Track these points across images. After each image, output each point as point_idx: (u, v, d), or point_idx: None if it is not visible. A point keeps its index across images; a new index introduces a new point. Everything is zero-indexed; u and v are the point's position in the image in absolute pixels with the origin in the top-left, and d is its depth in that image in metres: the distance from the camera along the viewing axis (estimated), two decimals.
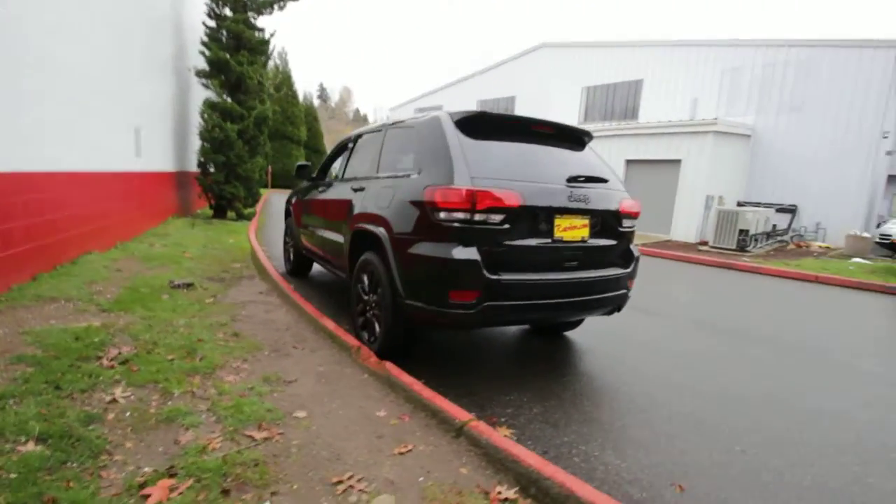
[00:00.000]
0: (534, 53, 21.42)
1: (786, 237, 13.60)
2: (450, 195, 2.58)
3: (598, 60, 19.09)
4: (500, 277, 2.61)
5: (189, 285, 4.59)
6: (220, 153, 9.45)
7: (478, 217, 2.57)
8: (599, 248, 3.06)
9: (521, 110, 22.07)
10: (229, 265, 5.92)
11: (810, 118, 13.78)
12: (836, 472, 2.18)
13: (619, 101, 18.93)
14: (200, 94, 9.97)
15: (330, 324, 3.56)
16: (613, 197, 3.11)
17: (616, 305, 3.20)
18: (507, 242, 2.67)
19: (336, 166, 5.02)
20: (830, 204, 13.52)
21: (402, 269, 2.81)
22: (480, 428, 2.15)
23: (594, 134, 3.72)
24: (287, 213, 6.00)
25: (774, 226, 13.21)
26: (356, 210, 3.46)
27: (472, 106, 24.30)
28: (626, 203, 3.17)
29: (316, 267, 6.08)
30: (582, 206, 2.90)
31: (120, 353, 2.77)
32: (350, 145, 4.25)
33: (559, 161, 3.04)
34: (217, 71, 9.31)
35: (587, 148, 3.41)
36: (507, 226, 2.64)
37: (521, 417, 2.54)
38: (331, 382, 2.70)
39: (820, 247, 12.83)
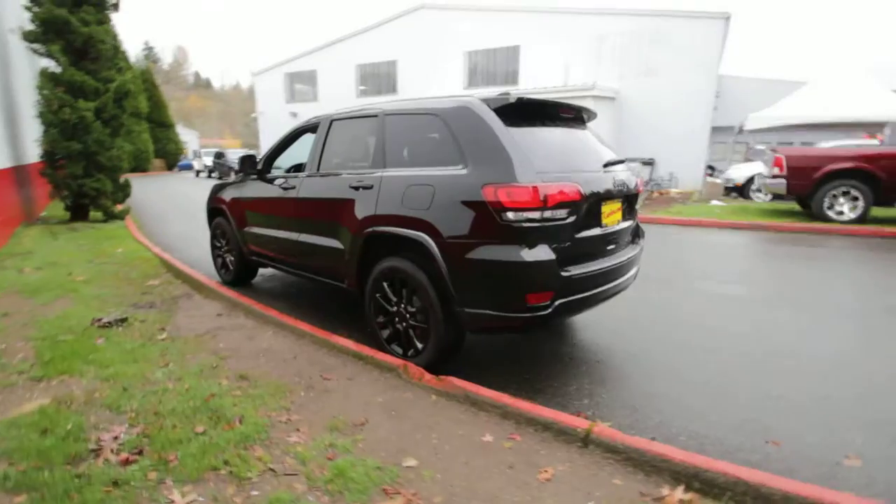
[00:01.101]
0: (414, 15, 20.73)
1: (649, 187, 15.77)
2: (518, 194, 2.38)
3: (479, 25, 19.24)
4: (570, 273, 2.54)
5: (122, 320, 3.64)
6: (75, 139, 7.48)
7: (547, 214, 2.43)
8: (626, 230, 3.15)
9: (405, 75, 21.50)
10: (144, 284, 4.84)
11: (662, 82, 15.84)
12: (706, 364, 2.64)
13: (500, 67, 19.50)
14: (29, 64, 7.66)
15: (347, 342, 3.14)
16: (631, 177, 3.19)
17: (634, 280, 3.37)
18: (573, 236, 2.59)
19: (291, 157, 4.35)
20: (679, 155, 15.94)
21: (458, 277, 2.56)
22: (606, 432, 2.12)
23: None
24: (213, 213, 5.06)
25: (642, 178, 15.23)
26: (364, 212, 3.02)
27: (350, 70, 22.93)
28: (637, 181, 3.28)
29: (262, 271, 5.30)
30: (621, 190, 2.93)
31: (119, 439, 2.09)
32: (320, 133, 3.66)
33: (586, 145, 3.00)
34: (55, 34, 7.16)
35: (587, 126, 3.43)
36: (571, 219, 2.55)
37: (601, 407, 2.57)
38: (404, 414, 2.40)
39: (677, 193, 15.13)
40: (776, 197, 11.03)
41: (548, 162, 2.57)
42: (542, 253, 2.45)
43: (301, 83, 25.60)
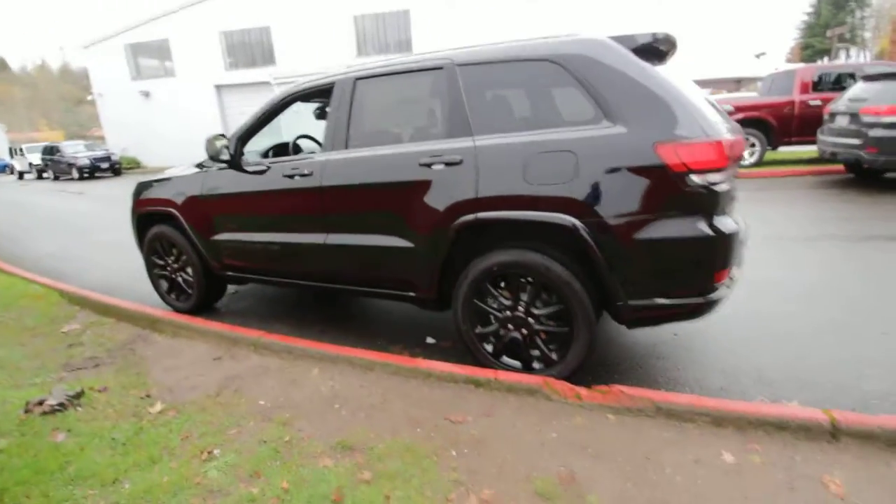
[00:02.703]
0: None
1: None
2: (702, 151, 1.91)
3: None
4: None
5: (75, 396, 2.41)
6: None
7: (726, 174, 2.01)
8: None
9: (281, 45, 19.20)
10: (59, 332, 3.43)
11: None
12: None
13: (392, 33, 18.39)
14: None
15: (446, 366, 2.44)
16: None
17: None
18: (731, 199, 2.21)
19: (279, 135, 3.30)
20: None
21: (623, 263, 2.04)
22: (852, 418, 1.84)
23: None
24: (146, 221, 3.73)
25: None
26: (453, 196, 2.29)
27: (213, 39, 19.74)
28: None
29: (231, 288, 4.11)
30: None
31: None
32: (339, 98, 2.72)
33: (696, 90, 2.60)
34: None
35: None
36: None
37: (768, 386, 2.31)
38: (603, 450, 1.85)
39: None
40: None
41: (697, 111, 2.13)
42: (729, 222, 2.05)
43: (149, 56, 21.45)
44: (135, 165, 21.78)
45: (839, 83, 9.39)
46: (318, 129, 3.84)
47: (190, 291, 3.67)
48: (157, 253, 3.74)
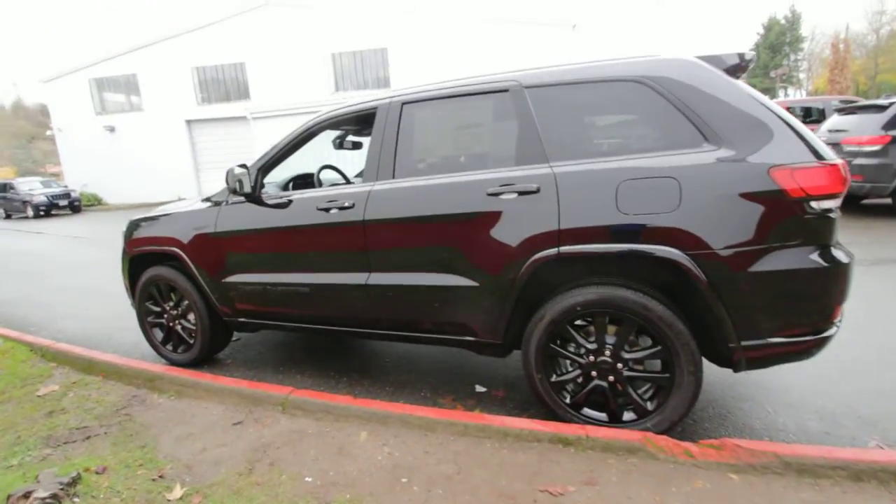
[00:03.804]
0: (260, 11, 18.34)
1: None
2: (820, 176, 1.76)
3: (340, 24, 17.91)
4: None
5: (69, 484, 1.93)
6: None
7: (839, 201, 1.86)
8: None
9: (256, 80, 19.03)
10: (35, 395, 2.91)
11: None
12: None
13: (370, 70, 18.55)
14: None
15: (526, 423, 2.12)
16: None
17: None
18: None
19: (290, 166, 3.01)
20: None
21: (737, 300, 1.83)
22: None
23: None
24: (141, 263, 3.30)
25: None
26: (530, 228, 2.04)
27: (185, 74, 19.37)
28: None
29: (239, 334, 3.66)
30: None
31: None
32: (385, 124, 2.46)
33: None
34: None
35: None
36: None
37: (884, 426, 2.11)
38: None
39: None
40: None
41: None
42: (842, 252, 1.88)
43: (115, 90, 20.77)
44: (95, 202, 20.66)
45: (808, 116, 9.96)
46: (338, 159, 3.60)
47: (191, 341, 3.22)
48: (153, 298, 3.29)
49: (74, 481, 1.95)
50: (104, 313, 4.67)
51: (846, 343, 2.86)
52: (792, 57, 49.88)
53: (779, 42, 47.85)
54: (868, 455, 1.76)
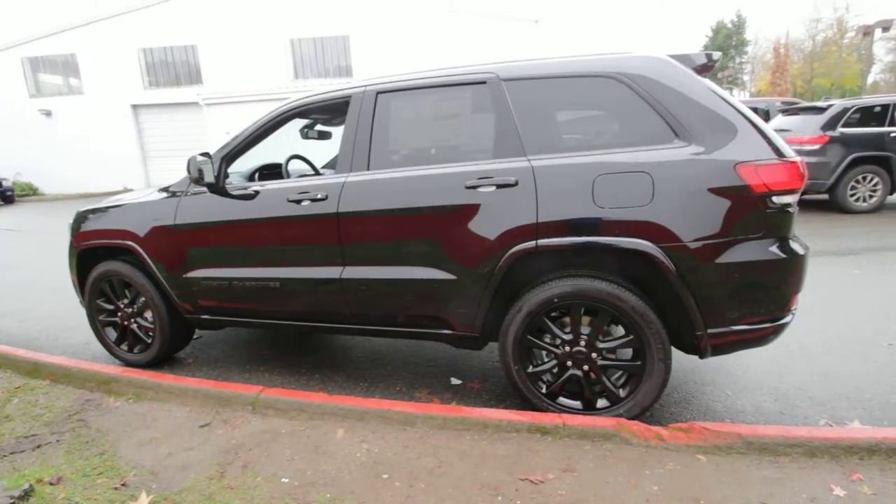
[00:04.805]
0: None
1: None
2: (782, 172, 1.86)
3: (300, 7, 17.27)
4: None
5: (24, 495, 1.78)
6: None
7: (798, 195, 1.97)
8: None
9: (209, 64, 18.16)
10: None
11: None
12: None
13: (331, 58, 18.06)
14: None
15: (503, 414, 2.14)
16: None
17: None
18: None
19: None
20: None
21: (705, 291, 1.91)
22: None
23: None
24: (90, 258, 3.09)
25: None
26: (509, 221, 2.05)
27: (130, 56, 18.18)
28: None
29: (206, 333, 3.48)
30: None
31: None
32: (359, 114, 2.40)
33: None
34: None
35: None
36: None
37: (833, 406, 2.29)
38: (716, 500, 1.66)
39: None
40: None
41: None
42: (799, 244, 2.01)
43: (52, 72, 19.22)
44: (30, 192, 19.08)
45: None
46: (305, 149, 3.48)
47: (149, 340, 3.04)
48: (105, 295, 3.09)
49: (27, 494, 1.80)
50: (48, 311, 4.35)
51: (794, 329, 3.07)
52: (737, 59, 52.69)
53: (725, 45, 50.36)
54: (821, 433, 1.89)
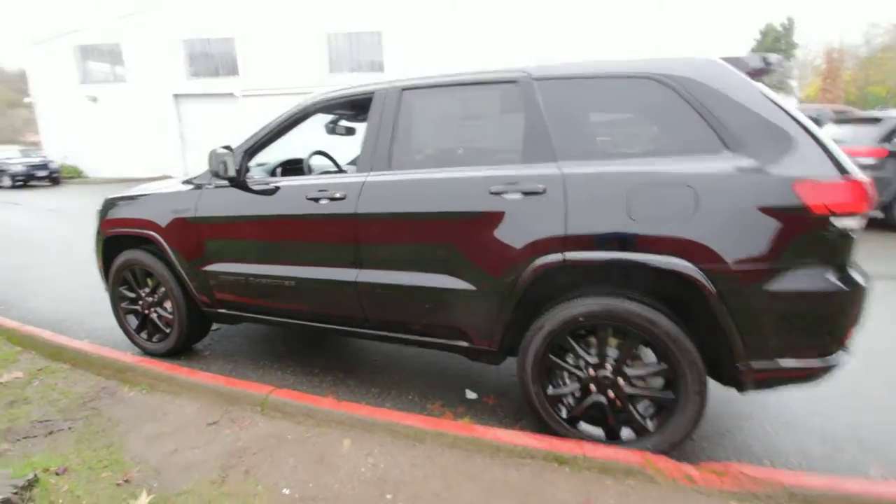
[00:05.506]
0: None
1: None
2: (845, 192, 1.65)
3: (335, 3, 17.40)
4: None
5: (28, 485, 1.77)
6: None
7: (863, 220, 1.76)
8: None
9: (246, 57, 18.42)
10: None
11: None
12: None
13: (365, 53, 18.13)
14: None
15: (519, 437, 2.01)
16: None
17: None
18: None
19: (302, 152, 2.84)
20: None
21: (750, 319, 1.73)
22: None
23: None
24: (115, 245, 3.12)
25: None
26: (535, 231, 1.92)
27: (175, 47, 18.71)
28: None
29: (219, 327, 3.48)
30: None
31: None
32: (382, 111, 2.30)
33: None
34: None
35: None
36: None
37: (886, 453, 2.05)
38: None
39: None
40: None
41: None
42: (861, 273, 1.79)
43: (99, 59, 20.02)
44: (75, 175, 19.99)
45: None
46: (330, 145, 3.42)
47: (167, 330, 3.05)
48: (128, 284, 3.11)
49: (31, 484, 1.79)
50: (79, 295, 4.45)
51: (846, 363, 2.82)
52: (785, 64, 50.38)
53: (773, 48, 48.18)
54: (876, 488, 1.69)
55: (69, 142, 20.15)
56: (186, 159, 19.60)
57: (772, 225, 1.68)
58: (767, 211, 1.67)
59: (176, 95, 19.22)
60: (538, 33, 16.27)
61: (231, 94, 18.20)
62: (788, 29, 48.55)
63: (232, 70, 18.82)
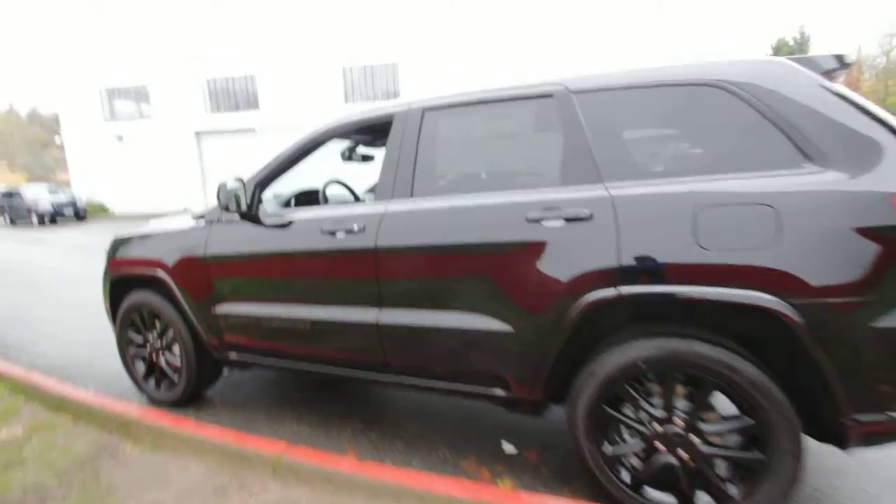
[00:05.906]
0: (272, 24, 18.33)
1: None
2: None
3: (351, 38, 17.84)
4: None
5: None
6: None
7: None
8: None
9: (267, 93, 18.91)
10: None
11: None
12: None
13: (380, 85, 18.44)
14: None
15: None
16: None
17: None
18: None
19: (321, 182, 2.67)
20: None
21: (852, 362, 1.43)
22: None
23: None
24: (123, 286, 2.96)
25: None
26: (582, 263, 1.66)
27: (197, 87, 19.34)
28: None
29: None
30: None
31: None
32: (403, 135, 2.11)
33: None
34: None
35: None
36: None
37: None
38: None
39: None
40: None
41: None
42: None
43: (125, 98, 20.81)
44: (101, 211, 20.54)
45: None
46: (346, 173, 3.25)
47: (175, 378, 2.83)
48: (136, 326, 2.92)
49: None
50: (89, 336, 4.30)
51: None
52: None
53: None
54: None
55: (95, 179, 20.81)
56: (207, 194, 19.98)
57: (870, 248, 1.39)
58: (864, 232, 1.39)
59: (198, 133, 19.75)
60: (555, 57, 16.31)
61: (251, 129, 18.60)
62: (801, 43, 48.17)
63: (252, 104, 19.30)
